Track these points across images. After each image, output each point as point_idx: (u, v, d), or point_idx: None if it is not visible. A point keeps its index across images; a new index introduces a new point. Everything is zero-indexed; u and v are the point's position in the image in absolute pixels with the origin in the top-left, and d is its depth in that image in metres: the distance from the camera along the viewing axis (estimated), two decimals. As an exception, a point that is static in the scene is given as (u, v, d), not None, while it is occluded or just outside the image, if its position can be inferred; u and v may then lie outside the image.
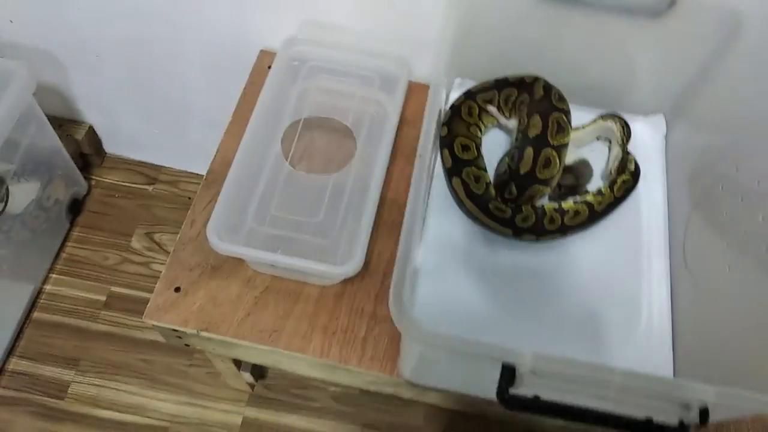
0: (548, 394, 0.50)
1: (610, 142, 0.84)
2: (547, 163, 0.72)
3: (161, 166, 1.34)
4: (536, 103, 0.75)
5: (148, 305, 0.73)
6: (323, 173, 0.75)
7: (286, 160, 0.76)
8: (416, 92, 0.85)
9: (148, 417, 1.12)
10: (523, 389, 0.50)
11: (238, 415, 1.13)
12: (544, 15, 0.75)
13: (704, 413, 0.47)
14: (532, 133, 0.73)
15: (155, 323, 0.73)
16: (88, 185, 1.31)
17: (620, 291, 0.74)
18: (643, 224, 0.79)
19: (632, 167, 0.81)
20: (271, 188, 0.72)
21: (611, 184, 0.78)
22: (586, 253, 0.76)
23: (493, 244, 0.76)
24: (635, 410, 0.50)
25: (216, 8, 0.90)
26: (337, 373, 0.75)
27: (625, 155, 0.80)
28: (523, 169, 0.73)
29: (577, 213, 0.75)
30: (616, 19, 0.74)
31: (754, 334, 0.57)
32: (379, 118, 0.78)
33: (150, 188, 1.32)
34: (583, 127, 0.83)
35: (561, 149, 0.73)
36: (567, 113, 0.74)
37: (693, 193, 0.74)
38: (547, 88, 0.76)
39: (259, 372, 1.14)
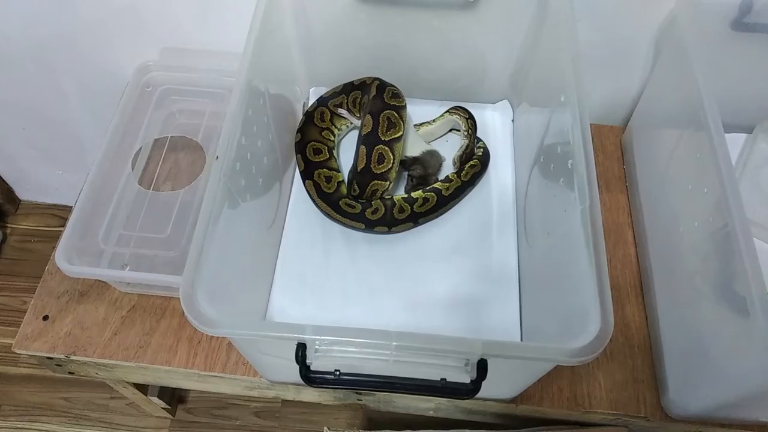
0: (349, 368, 0.53)
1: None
2: (381, 158, 0.76)
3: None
4: (370, 102, 0.79)
5: (16, 335, 0.75)
6: (173, 190, 0.78)
7: (150, 182, 0.79)
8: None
9: (71, 454, 1.12)
10: (324, 366, 0.52)
11: (162, 441, 1.13)
12: (368, 16, 0.79)
13: (482, 366, 0.49)
14: (364, 131, 0.76)
15: (23, 352, 0.75)
16: (3, 233, 1.33)
17: (472, 266, 0.77)
18: (493, 203, 0.82)
19: (480, 153, 0.84)
20: (121, 209, 0.75)
21: (459, 171, 0.82)
22: (439, 236, 0.79)
23: (350, 239, 0.79)
24: (431, 374, 0.53)
25: (83, 45, 0.94)
26: (211, 382, 0.77)
27: (472, 143, 0.84)
28: (360, 166, 0.76)
29: (426, 200, 0.79)
30: (436, 13, 0.79)
31: (566, 293, 0.60)
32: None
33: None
34: (434, 121, 0.87)
35: (393, 144, 0.76)
36: (399, 109, 0.78)
37: (530, 168, 0.77)
38: (381, 87, 0.80)
39: (177, 396, 1.15)
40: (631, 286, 0.79)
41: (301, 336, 0.49)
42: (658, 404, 0.71)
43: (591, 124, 0.60)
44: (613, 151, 0.92)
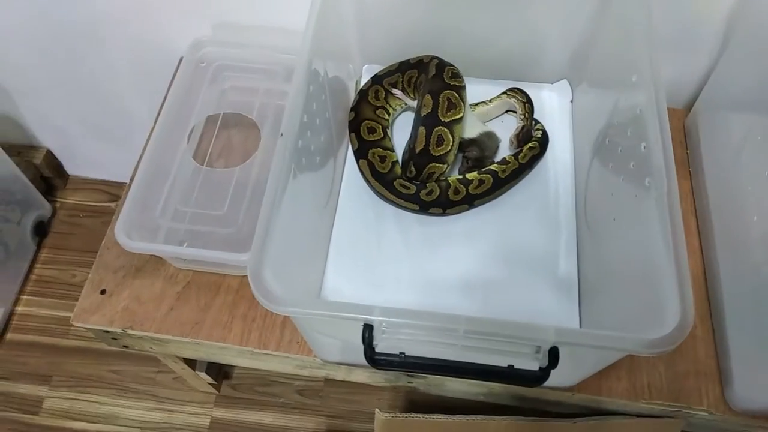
0: (413, 351, 0.52)
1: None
2: (440, 140, 0.74)
3: (122, 183, 1.38)
4: (429, 82, 0.77)
5: (75, 308, 0.77)
6: (226, 167, 0.77)
7: (203, 158, 0.79)
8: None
9: (120, 425, 1.15)
10: (389, 348, 0.52)
11: (206, 416, 1.15)
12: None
13: (553, 354, 0.48)
14: (424, 111, 0.75)
15: (82, 325, 0.76)
16: (53, 207, 1.35)
17: (528, 251, 0.75)
18: (551, 186, 0.80)
19: (539, 135, 0.82)
20: (177, 184, 0.75)
21: (516, 153, 0.80)
22: (495, 219, 0.78)
23: (403, 220, 0.78)
24: (498, 360, 0.52)
25: (134, 20, 0.94)
26: (263, 359, 0.78)
27: (529, 125, 0.82)
28: (418, 147, 0.74)
29: (481, 182, 0.77)
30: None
31: (635, 282, 0.58)
32: (283, 109, 0.81)
33: (113, 205, 1.37)
34: (490, 101, 0.85)
35: (453, 125, 0.74)
36: (459, 89, 0.76)
37: (591, 151, 0.75)
38: (441, 66, 0.78)
39: (222, 372, 1.17)
40: (694, 276, 0.76)
41: (369, 317, 0.48)
42: (721, 397, 0.69)
43: (655, 108, 0.58)
44: (675, 134, 0.87)
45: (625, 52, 0.66)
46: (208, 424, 1.15)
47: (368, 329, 0.50)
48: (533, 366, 0.50)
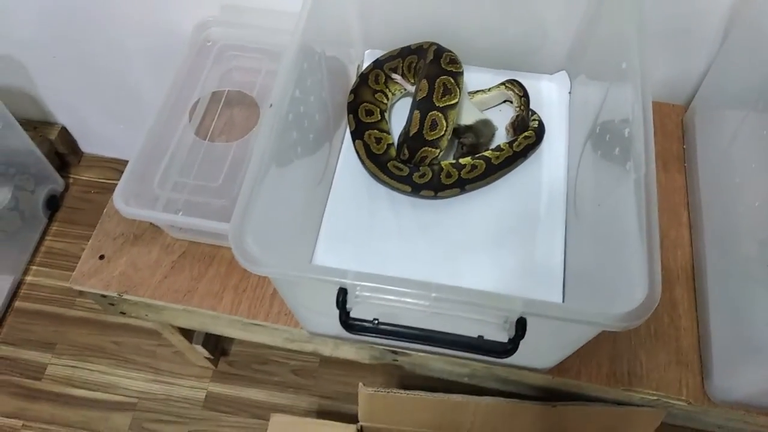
0: (387, 318, 0.53)
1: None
2: (434, 125, 0.75)
3: (133, 162, 1.41)
4: (427, 67, 0.78)
5: (74, 272, 0.79)
6: (226, 142, 0.80)
7: (206, 134, 0.81)
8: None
9: (119, 394, 1.18)
10: (364, 314, 0.53)
11: (202, 390, 1.18)
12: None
13: (521, 324, 0.49)
14: (419, 96, 0.76)
15: (79, 287, 0.79)
16: (66, 183, 1.39)
17: (517, 236, 0.76)
18: (543, 175, 0.81)
19: (536, 125, 0.83)
20: (177, 157, 0.78)
21: (512, 141, 0.81)
22: (486, 204, 0.79)
23: (396, 202, 0.80)
24: (469, 330, 0.53)
25: (147, 2, 0.97)
26: (253, 330, 0.80)
27: (525, 115, 0.83)
28: (413, 131, 0.76)
29: (474, 167, 0.78)
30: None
31: (613, 264, 0.59)
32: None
33: (123, 183, 1.40)
34: (488, 90, 0.86)
35: (447, 110, 0.75)
36: (456, 75, 0.77)
37: (584, 141, 0.76)
38: (439, 52, 0.79)
39: (220, 348, 1.19)
40: (682, 268, 0.77)
41: (342, 280, 0.50)
42: (701, 388, 0.69)
43: (652, 102, 0.59)
44: (674, 130, 0.89)
45: (619, 43, 0.67)
46: (203, 397, 1.17)
47: (342, 293, 0.51)
48: (503, 338, 0.51)
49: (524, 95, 0.84)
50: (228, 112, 0.84)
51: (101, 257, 0.80)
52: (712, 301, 0.71)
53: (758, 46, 0.68)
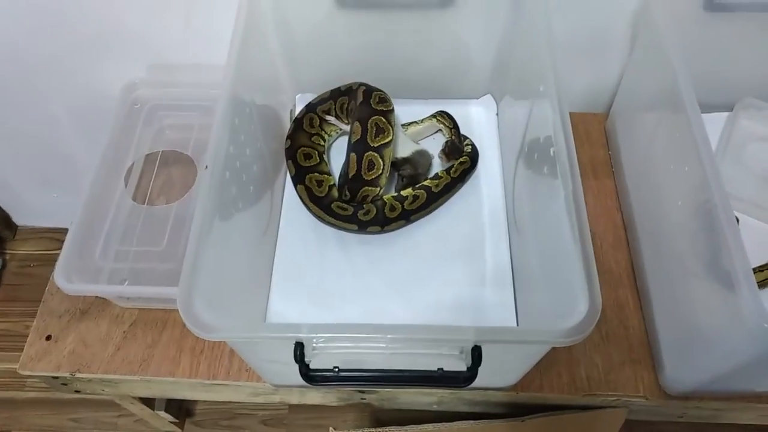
0: (348, 365, 0.54)
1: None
2: (371, 165, 0.77)
3: (71, 229, 1.37)
4: (358, 109, 0.80)
5: (21, 357, 0.76)
6: (167, 203, 0.79)
7: (144, 197, 0.80)
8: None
9: (83, 474, 1.13)
10: (323, 364, 0.54)
11: (172, 456, 1.14)
12: (348, 20, 0.80)
13: (476, 352, 0.50)
14: (354, 138, 0.78)
15: (29, 372, 0.76)
16: (3, 259, 1.34)
17: (466, 261, 0.78)
18: (483, 197, 0.84)
19: (469, 150, 0.86)
20: (117, 225, 0.76)
21: (448, 168, 0.83)
22: (432, 232, 0.81)
23: (344, 241, 0.80)
24: (428, 364, 0.54)
25: (70, 67, 0.95)
26: (216, 390, 0.78)
27: (457, 141, 0.85)
28: (351, 173, 0.77)
29: (416, 198, 0.80)
30: (415, 13, 0.80)
31: (554, 277, 0.61)
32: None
33: (64, 252, 1.35)
34: (421, 122, 0.89)
35: (383, 149, 0.77)
36: (387, 114, 0.79)
37: (515, 160, 0.79)
38: (368, 92, 0.81)
39: (184, 410, 1.16)
40: (623, 269, 0.80)
41: (297, 335, 0.50)
42: (656, 383, 0.72)
43: (575, 113, 0.62)
44: (598, 137, 0.93)
45: (534, 63, 0.70)
46: (174, 463, 1.14)
47: (299, 347, 0.51)
48: (462, 367, 0.53)
49: (454, 126, 0.87)
50: (165, 172, 0.84)
51: (48, 338, 0.78)
52: (654, 298, 0.74)
53: (658, 54, 0.73)
